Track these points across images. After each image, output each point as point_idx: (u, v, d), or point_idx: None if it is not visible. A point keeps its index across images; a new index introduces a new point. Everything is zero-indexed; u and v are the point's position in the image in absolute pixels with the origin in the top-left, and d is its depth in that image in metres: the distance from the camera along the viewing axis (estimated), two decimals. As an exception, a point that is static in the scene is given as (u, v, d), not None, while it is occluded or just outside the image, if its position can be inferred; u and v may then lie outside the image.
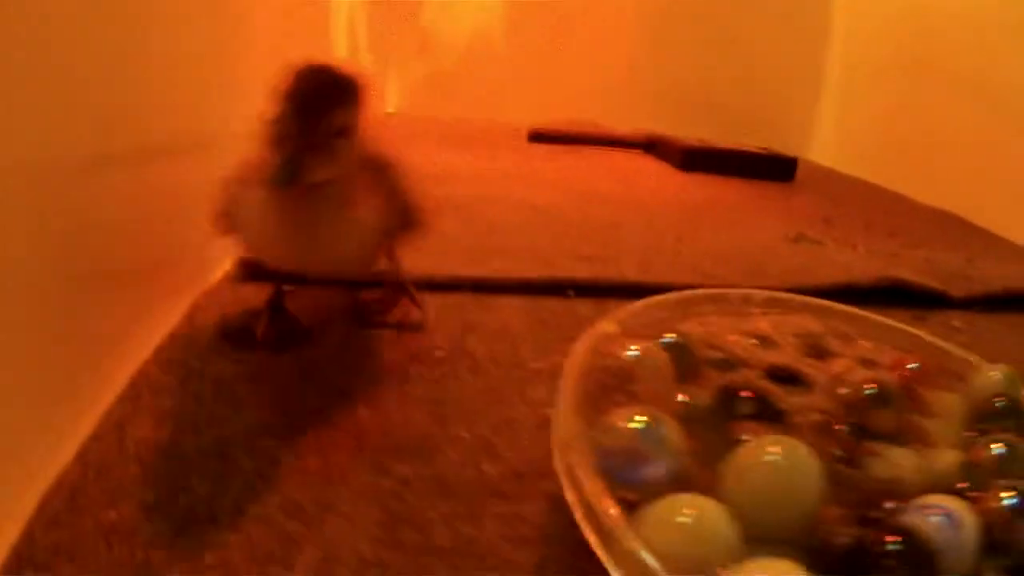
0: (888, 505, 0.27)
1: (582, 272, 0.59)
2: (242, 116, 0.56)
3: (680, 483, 0.26)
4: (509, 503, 0.31)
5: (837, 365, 0.37)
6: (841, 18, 1.48)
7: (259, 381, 0.40)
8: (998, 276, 0.70)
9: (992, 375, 0.37)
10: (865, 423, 0.32)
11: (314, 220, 0.37)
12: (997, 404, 0.35)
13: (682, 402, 0.33)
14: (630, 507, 0.24)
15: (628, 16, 1.52)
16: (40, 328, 0.31)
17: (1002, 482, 0.29)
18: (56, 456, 0.31)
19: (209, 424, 0.35)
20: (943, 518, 0.26)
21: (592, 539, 0.23)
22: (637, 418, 0.27)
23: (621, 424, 0.27)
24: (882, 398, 0.33)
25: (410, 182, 0.43)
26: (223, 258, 0.54)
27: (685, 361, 0.36)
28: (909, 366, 0.38)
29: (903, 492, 0.28)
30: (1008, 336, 0.58)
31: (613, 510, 0.23)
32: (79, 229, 0.33)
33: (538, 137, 1.35)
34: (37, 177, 0.29)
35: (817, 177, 1.27)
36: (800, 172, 1.22)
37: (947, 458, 0.31)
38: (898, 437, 0.32)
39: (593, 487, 0.24)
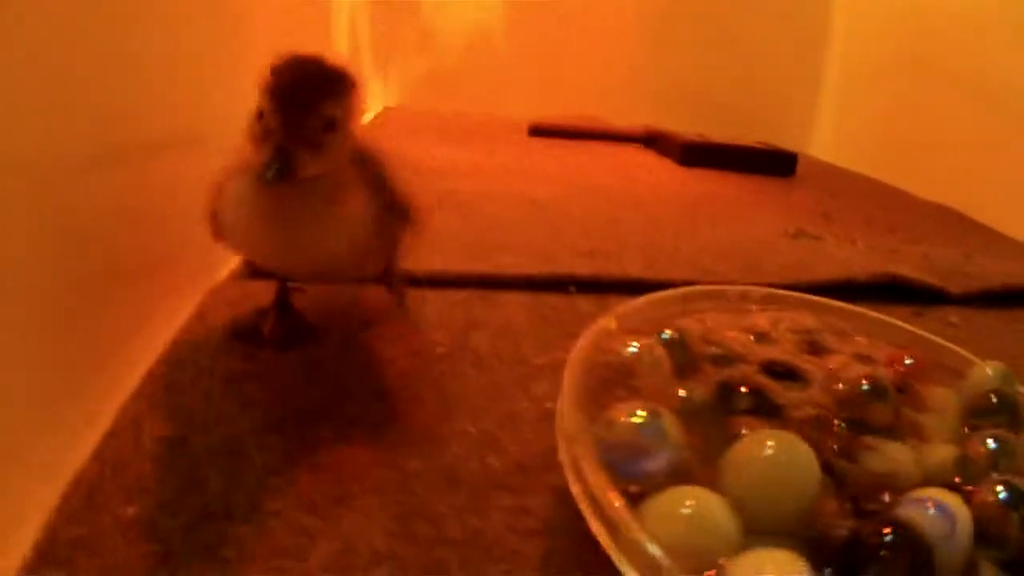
0: (884, 498, 0.28)
1: (583, 268, 0.60)
2: (245, 113, 0.57)
3: (680, 476, 0.27)
4: (515, 496, 0.32)
5: (833, 361, 0.37)
6: (841, 13, 1.49)
7: (267, 379, 0.40)
8: (997, 272, 0.70)
9: (987, 371, 0.38)
10: (861, 418, 0.33)
11: (301, 217, 0.36)
12: (991, 400, 0.35)
13: (681, 397, 0.34)
14: (632, 499, 0.25)
15: (628, 11, 1.52)
16: (49, 327, 0.31)
17: (995, 476, 0.29)
18: (73, 454, 0.32)
19: (220, 422, 0.36)
20: (937, 511, 0.26)
21: (598, 530, 0.24)
22: (638, 413, 0.28)
23: (623, 419, 0.28)
24: (877, 393, 0.34)
25: (401, 176, 0.42)
26: (229, 255, 0.54)
27: (684, 357, 0.36)
28: (905, 361, 0.38)
29: (898, 486, 0.29)
30: (1005, 332, 0.59)
31: (618, 502, 0.23)
32: (83, 228, 0.34)
33: (538, 132, 1.35)
34: (41, 176, 0.30)
35: (817, 172, 1.28)
36: (800, 167, 1.23)
37: (942, 453, 0.32)
38: (893, 432, 0.33)
39: (598, 480, 0.24)
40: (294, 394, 0.39)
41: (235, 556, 0.27)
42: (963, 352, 0.40)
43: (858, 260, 0.70)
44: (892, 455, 0.31)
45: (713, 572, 0.22)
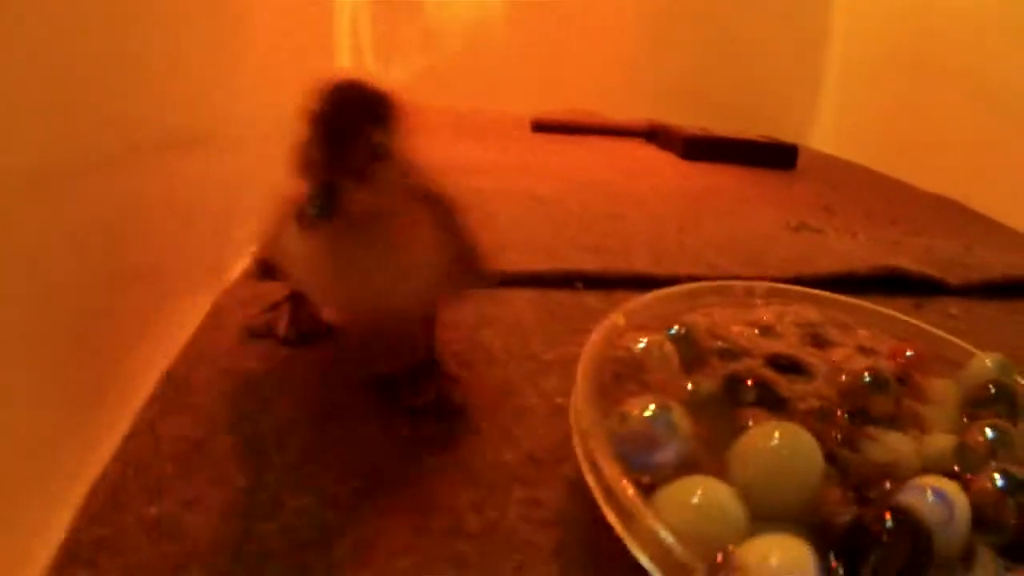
0: (885, 486, 0.29)
1: (589, 264, 0.60)
2: (252, 115, 0.57)
3: (689, 466, 0.28)
4: (528, 488, 0.33)
5: (836, 354, 0.38)
6: (842, 7, 1.49)
7: (284, 377, 0.41)
8: (997, 263, 0.71)
9: (986, 362, 0.39)
10: (863, 409, 0.34)
11: (368, 259, 0.33)
12: (990, 390, 0.36)
13: (689, 390, 0.35)
14: (644, 490, 0.26)
15: (629, 6, 1.52)
16: (66, 332, 0.32)
17: (993, 464, 0.30)
18: (95, 455, 0.33)
19: (240, 421, 0.36)
20: (936, 498, 0.27)
21: (612, 519, 0.25)
22: (649, 407, 0.29)
23: (634, 413, 0.29)
24: (879, 385, 0.35)
25: (470, 223, 0.38)
26: (241, 256, 0.55)
27: (691, 351, 0.37)
28: (906, 354, 0.39)
29: (900, 475, 0.30)
30: (1005, 323, 0.60)
31: (631, 492, 0.24)
32: (95, 231, 0.34)
33: (541, 127, 1.36)
34: (53, 180, 0.30)
35: (818, 165, 1.28)
36: (801, 160, 1.24)
37: (941, 442, 0.33)
38: (895, 422, 0.34)
39: (612, 471, 0.26)
40: (310, 392, 0.40)
41: (258, 551, 0.28)
42: (963, 344, 0.41)
43: (859, 253, 0.71)
44: (893, 445, 0.32)
45: (721, 556, 0.23)
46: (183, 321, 0.46)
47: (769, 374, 0.36)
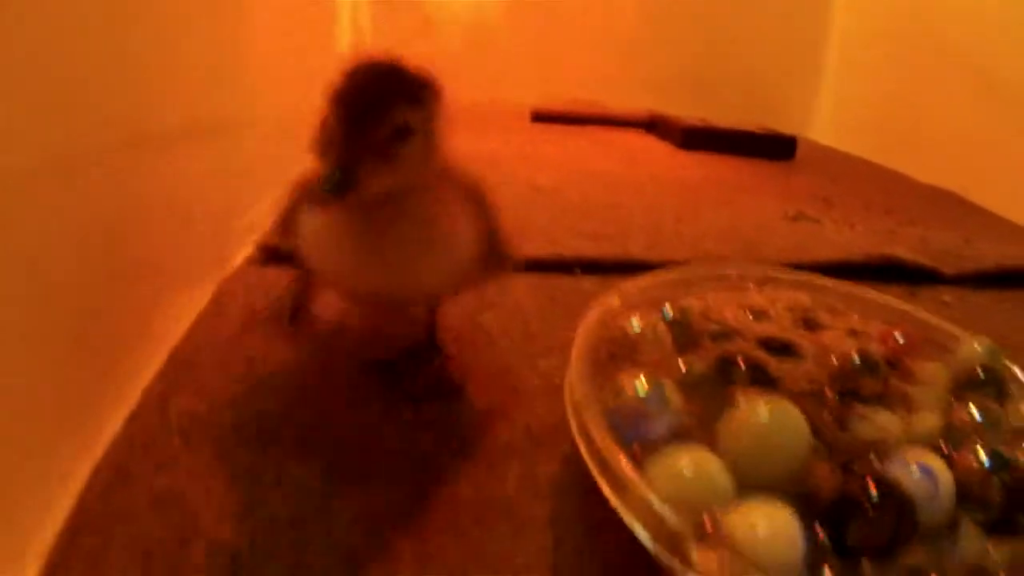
0: (872, 459, 0.30)
1: (588, 251, 0.61)
2: (253, 110, 0.58)
3: (681, 439, 0.29)
4: (526, 464, 0.34)
5: (827, 336, 0.39)
6: (841, -1, 1.49)
7: (287, 358, 0.42)
8: (992, 254, 0.71)
9: (975, 347, 0.39)
10: (853, 389, 0.35)
11: (392, 237, 0.33)
12: (979, 374, 0.37)
13: (682, 371, 0.36)
14: (636, 461, 0.27)
15: (629, -3, 1.53)
16: (76, 314, 0.32)
17: (979, 443, 0.31)
18: (103, 431, 0.34)
19: (245, 399, 0.37)
20: (922, 472, 0.28)
21: (606, 488, 0.26)
22: (642, 381, 0.30)
23: (627, 386, 0.30)
24: (868, 366, 0.35)
25: (495, 207, 0.38)
26: (244, 242, 0.56)
27: (685, 333, 0.38)
28: (896, 336, 0.40)
29: (887, 452, 0.31)
30: (996, 311, 0.60)
31: (624, 462, 0.25)
32: (95, 229, 0.34)
33: (541, 117, 1.36)
34: (53, 178, 0.30)
35: (816, 156, 1.29)
36: (800, 151, 1.24)
37: (929, 421, 0.33)
38: (883, 402, 0.35)
39: (605, 443, 0.26)
40: (312, 372, 0.41)
41: (264, 519, 0.29)
42: (953, 329, 0.42)
43: (856, 243, 0.71)
44: (881, 423, 0.32)
45: (709, 523, 0.24)
46: (188, 305, 0.46)
47: (760, 355, 0.36)
